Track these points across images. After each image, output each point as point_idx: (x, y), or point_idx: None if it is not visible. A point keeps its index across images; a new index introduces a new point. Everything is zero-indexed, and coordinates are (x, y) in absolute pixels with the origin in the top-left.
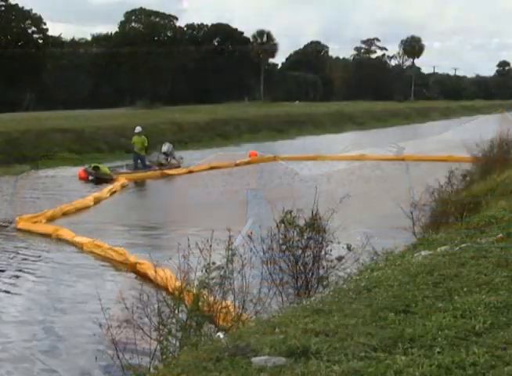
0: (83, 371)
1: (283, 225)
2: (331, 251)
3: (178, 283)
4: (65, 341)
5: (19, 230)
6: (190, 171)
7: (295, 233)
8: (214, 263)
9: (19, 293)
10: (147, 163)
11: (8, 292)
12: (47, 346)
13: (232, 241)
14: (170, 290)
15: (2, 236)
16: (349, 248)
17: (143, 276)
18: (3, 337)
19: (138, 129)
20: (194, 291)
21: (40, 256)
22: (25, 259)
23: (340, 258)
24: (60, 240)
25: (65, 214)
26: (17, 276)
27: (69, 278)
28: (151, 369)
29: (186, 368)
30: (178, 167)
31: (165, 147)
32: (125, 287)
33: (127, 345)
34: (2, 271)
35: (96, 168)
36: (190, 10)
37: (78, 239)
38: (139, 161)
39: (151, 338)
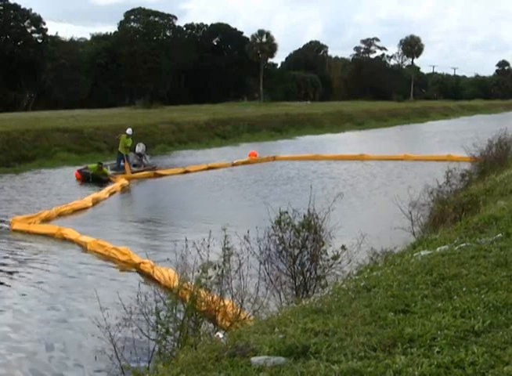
0: (82, 371)
1: (279, 225)
2: (326, 251)
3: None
4: (64, 341)
5: (15, 231)
6: (186, 172)
7: (291, 233)
8: (211, 263)
9: (18, 292)
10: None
11: (6, 292)
12: (46, 346)
13: (229, 240)
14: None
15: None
16: (343, 248)
17: (147, 276)
18: (2, 337)
19: (129, 131)
20: (191, 290)
21: (39, 256)
22: (23, 259)
23: (335, 258)
24: (64, 239)
25: (60, 215)
26: (15, 275)
27: (70, 278)
28: (150, 369)
29: (186, 368)
30: (154, 168)
31: (139, 148)
32: (126, 287)
33: (126, 344)
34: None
35: (100, 164)
36: (190, 10)
37: (82, 238)
38: (122, 161)
39: (149, 337)
